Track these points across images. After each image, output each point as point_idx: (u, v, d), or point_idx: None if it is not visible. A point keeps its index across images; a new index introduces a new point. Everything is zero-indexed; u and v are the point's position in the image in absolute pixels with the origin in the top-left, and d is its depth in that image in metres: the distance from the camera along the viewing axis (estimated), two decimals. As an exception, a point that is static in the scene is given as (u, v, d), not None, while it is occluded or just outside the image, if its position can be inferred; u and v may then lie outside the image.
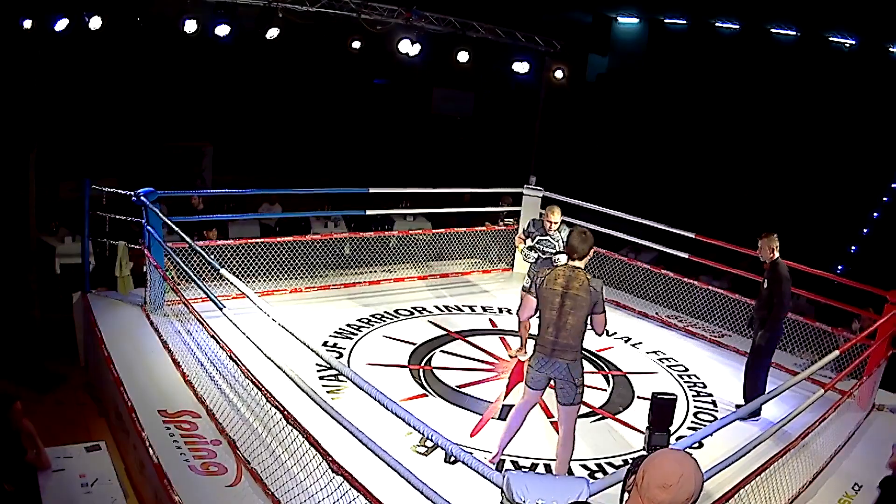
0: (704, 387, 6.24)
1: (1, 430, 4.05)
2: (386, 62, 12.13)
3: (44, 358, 6.61)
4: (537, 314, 4.25)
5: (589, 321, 4.14)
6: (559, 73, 10.16)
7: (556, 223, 5.83)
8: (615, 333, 7.29)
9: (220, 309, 4.50)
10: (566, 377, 4.12)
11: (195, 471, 4.10)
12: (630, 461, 3.76)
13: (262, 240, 7.26)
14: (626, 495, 1.87)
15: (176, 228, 5.44)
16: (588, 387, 5.95)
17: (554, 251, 5.84)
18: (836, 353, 4.53)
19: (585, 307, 4.05)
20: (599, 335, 4.33)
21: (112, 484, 4.24)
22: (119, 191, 6.36)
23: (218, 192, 9.71)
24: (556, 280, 4.11)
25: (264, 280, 7.06)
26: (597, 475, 4.64)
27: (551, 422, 5.29)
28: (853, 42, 10.92)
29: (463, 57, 9.45)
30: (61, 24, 6.98)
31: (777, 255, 5.48)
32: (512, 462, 4.71)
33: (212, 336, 4.72)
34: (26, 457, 4.12)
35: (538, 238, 5.93)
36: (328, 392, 5.27)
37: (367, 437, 3.13)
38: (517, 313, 4.74)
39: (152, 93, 11.84)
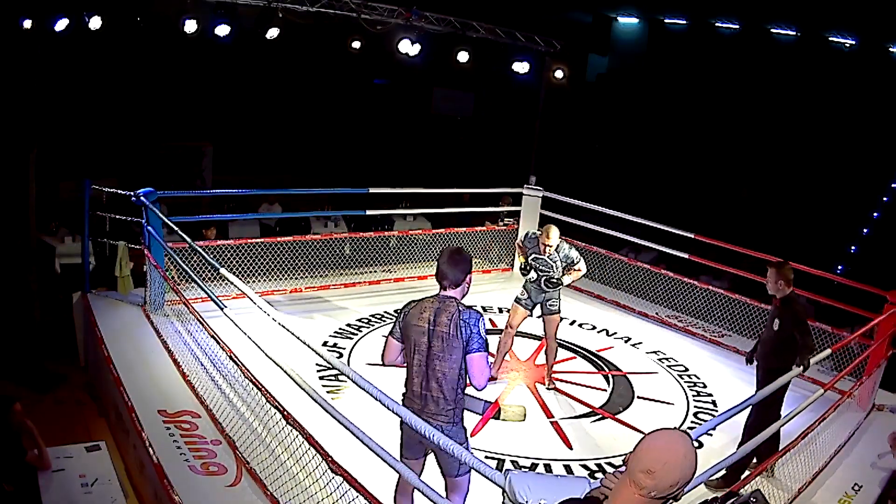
0: (704, 387, 6.24)
1: (1, 430, 4.05)
2: (386, 62, 12.11)
3: (44, 358, 6.61)
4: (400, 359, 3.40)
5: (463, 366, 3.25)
6: (559, 73, 10.15)
7: (552, 246, 5.42)
8: (615, 333, 7.29)
9: (221, 309, 4.50)
10: (442, 446, 2.75)
11: (195, 471, 4.09)
12: None
13: (262, 240, 7.25)
14: None
15: (176, 228, 5.44)
16: (588, 387, 5.99)
17: (551, 272, 5.49)
18: (829, 350, 4.54)
19: (458, 349, 3.18)
20: (479, 388, 3.31)
21: (112, 484, 4.24)
22: (119, 191, 6.35)
23: (218, 192, 9.71)
24: (419, 316, 3.24)
25: (264, 280, 7.06)
26: (597, 475, 4.63)
27: (551, 422, 5.30)
28: (853, 42, 10.92)
29: (463, 57, 9.44)
30: (61, 24, 6.96)
31: (792, 288, 4.56)
32: (512, 462, 4.71)
33: (212, 336, 4.72)
34: (26, 457, 4.12)
35: (534, 255, 5.56)
36: (328, 392, 5.28)
37: (367, 437, 3.13)
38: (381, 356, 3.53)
39: (152, 93, 11.84)
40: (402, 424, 3.27)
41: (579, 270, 5.58)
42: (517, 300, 5.77)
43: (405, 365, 3.35)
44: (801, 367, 4.16)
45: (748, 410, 4.34)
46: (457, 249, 3.39)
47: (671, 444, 1.75)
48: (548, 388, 5.80)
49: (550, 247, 5.44)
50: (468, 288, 3.39)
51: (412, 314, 3.29)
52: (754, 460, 4.35)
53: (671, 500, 1.77)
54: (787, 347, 4.46)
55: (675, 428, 2.05)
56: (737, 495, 1.89)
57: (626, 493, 1.74)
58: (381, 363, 3.49)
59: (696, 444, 3.60)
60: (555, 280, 5.52)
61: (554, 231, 5.45)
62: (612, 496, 1.80)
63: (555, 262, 5.49)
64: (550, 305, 5.65)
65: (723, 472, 3.38)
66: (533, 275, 5.63)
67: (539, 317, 5.78)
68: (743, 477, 3.98)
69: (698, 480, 2.73)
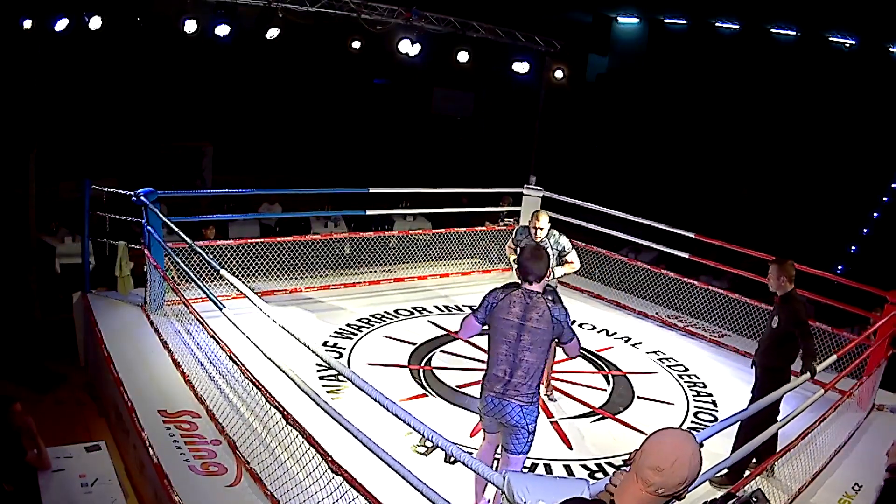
0: (704, 387, 6.24)
1: (1, 430, 4.06)
2: (386, 62, 12.13)
3: (44, 358, 6.61)
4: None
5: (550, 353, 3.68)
6: (559, 73, 10.15)
7: (542, 229, 5.23)
8: (615, 333, 7.29)
9: (220, 309, 4.50)
10: (514, 423, 3.50)
11: (195, 471, 4.10)
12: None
13: (262, 240, 7.25)
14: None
15: (176, 228, 5.44)
16: (588, 387, 5.99)
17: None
18: (834, 357, 4.53)
19: (547, 342, 3.50)
20: (573, 358, 3.84)
21: (112, 484, 4.24)
22: (119, 191, 6.35)
23: (218, 192, 9.72)
24: (510, 309, 3.51)
25: (264, 280, 7.06)
26: (597, 475, 4.64)
27: (551, 422, 5.29)
28: (853, 42, 10.92)
29: (463, 57, 9.45)
30: (61, 24, 6.97)
31: (793, 286, 4.52)
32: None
33: (212, 336, 4.72)
34: (26, 457, 4.12)
35: (525, 244, 5.29)
36: (328, 392, 5.28)
37: (367, 437, 3.13)
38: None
39: (152, 93, 11.85)
40: (479, 402, 3.65)
41: (571, 263, 5.36)
42: None
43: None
44: (808, 374, 4.13)
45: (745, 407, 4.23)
46: (537, 246, 3.73)
47: (680, 442, 1.76)
48: (547, 395, 5.62)
49: (541, 230, 5.24)
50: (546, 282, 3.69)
51: (500, 307, 3.51)
52: (754, 460, 4.34)
53: (675, 499, 1.77)
54: (785, 345, 4.43)
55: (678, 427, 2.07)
56: (736, 496, 1.89)
57: (633, 491, 1.74)
58: (456, 335, 3.97)
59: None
60: (567, 259, 5.31)
61: (544, 215, 5.29)
62: (617, 494, 1.80)
63: (546, 249, 5.35)
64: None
65: (725, 469, 3.39)
66: None
67: None
68: (745, 475, 3.99)
69: (703, 478, 2.79)
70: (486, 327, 3.67)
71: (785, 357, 4.44)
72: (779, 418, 4.18)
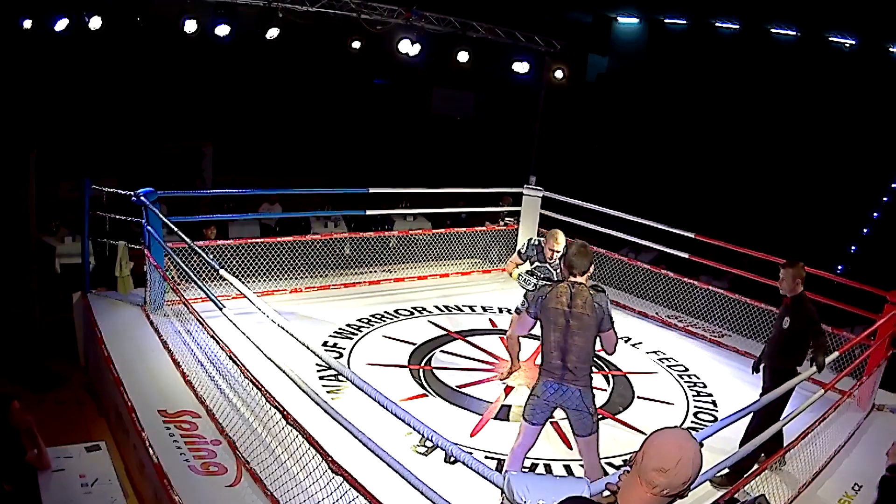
0: (704, 387, 6.24)
1: (0, 429, 4.05)
2: (386, 62, 12.13)
3: (44, 358, 6.61)
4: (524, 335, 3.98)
5: (598, 341, 3.84)
6: (559, 73, 10.15)
7: (558, 252, 5.17)
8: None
9: (220, 309, 4.50)
10: (579, 406, 3.80)
11: (195, 471, 4.10)
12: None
13: (262, 240, 7.25)
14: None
15: (175, 229, 5.44)
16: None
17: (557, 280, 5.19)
18: (836, 353, 4.54)
19: (593, 326, 3.76)
20: (610, 354, 4.00)
21: (112, 484, 4.24)
22: (119, 191, 6.35)
23: (218, 192, 9.72)
24: (558, 299, 3.79)
25: (264, 280, 7.06)
26: (597, 475, 4.63)
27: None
28: (853, 42, 10.92)
29: (463, 57, 9.44)
30: (61, 24, 6.96)
31: (803, 287, 4.61)
32: (512, 462, 4.71)
33: (212, 336, 4.72)
34: (26, 457, 4.12)
35: (537, 265, 5.34)
36: (328, 392, 5.27)
37: (367, 437, 3.13)
38: (509, 330, 4.21)
39: (152, 93, 11.84)
40: (535, 392, 3.88)
41: None
42: (517, 311, 5.59)
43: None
44: (817, 368, 4.19)
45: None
46: (583, 244, 3.96)
47: (682, 442, 1.76)
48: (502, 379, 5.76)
49: (558, 252, 5.18)
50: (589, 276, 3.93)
51: (549, 298, 3.79)
52: (762, 455, 4.35)
53: (678, 498, 1.77)
54: (795, 346, 4.49)
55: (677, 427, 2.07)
56: (737, 500, 1.91)
57: (638, 493, 1.74)
58: (513, 334, 4.27)
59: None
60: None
61: (561, 237, 5.25)
62: (621, 496, 1.79)
63: (555, 268, 5.27)
64: None
65: (726, 469, 3.40)
66: (532, 281, 5.30)
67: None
68: (752, 471, 3.99)
69: (704, 478, 2.87)
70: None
71: (795, 358, 4.47)
72: (781, 416, 4.20)
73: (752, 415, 4.30)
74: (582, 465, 4.72)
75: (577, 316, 3.74)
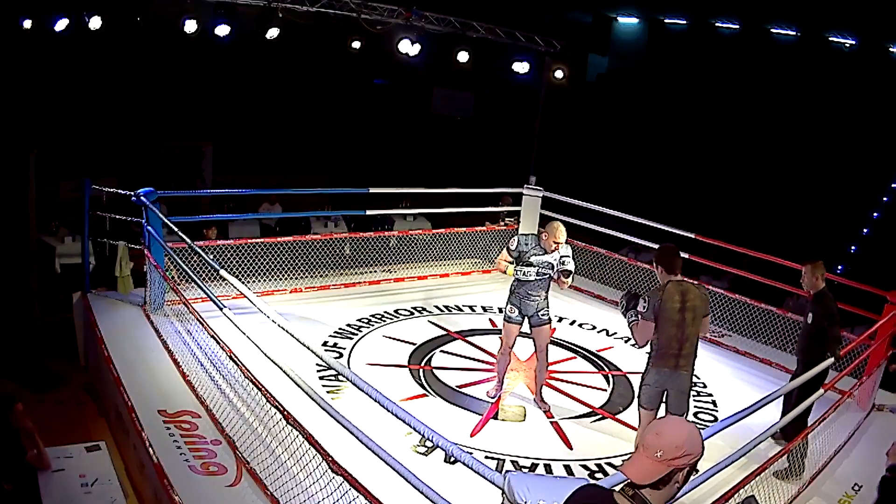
0: (704, 387, 6.24)
1: (1, 430, 4.05)
2: (386, 62, 12.12)
3: (44, 358, 6.61)
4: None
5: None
6: (559, 73, 10.14)
7: (562, 243, 5.15)
8: (615, 333, 7.29)
9: (220, 309, 4.50)
10: (684, 388, 4.32)
11: (195, 471, 4.10)
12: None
13: (262, 240, 7.25)
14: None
15: (175, 229, 5.44)
16: (588, 387, 5.99)
17: (561, 268, 5.18)
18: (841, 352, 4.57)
19: (701, 315, 4.27)
20: (706, 334, 4.52)
21: (112, 484, 4.24)
22: (119, 191, 6.35)
23: (218, 192, 9.71)
24: (673, 297, 4.23)
25: (264, 280, 7.06)
26: (597, 475, 4.64)
27: (551, 422, 5.30)
28: (853, 42, 10.92)
29: (463, 57, 9.44)
30: (61, 24, 6.96)
31: (824, 283, 4.93)
32: (512, 462, 4.71)
33: (212, 336, 4.72)
34: (26, 457, 4.12)
35: (533, 255, 5.23)
36: (328, 392, 5.27)
37: (367, 437, 3.13)
38: (634, 341, 4.36)
39: (152, 93, 11.83)
40: (647, 382, 4.38)
41: (571, 272, 5.24)
42: (507, 319, 5.39)
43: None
44: (833, 358, 4.42)
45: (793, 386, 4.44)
46: (673, 245, 4.48)
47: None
48: (539, 406, 5.48)
49: (561, 244, 5.15)
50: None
51: (665, 299, 4.21)
52: (783, 441, 4.51)
53: (679, 472, 1.84)
54: (818, 340, 4.75)
55: None
56: None
57: (639, 459, 1.85)
58: (636, 344, 4.40)
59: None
60: (569, 269, 5.19)
61: (563, 228, 5.19)
62: (626, 467, 1.89)
63: (556, 261, 5.21)
64: (542, 315, 5.32)
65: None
66: (532, 273, 5.24)
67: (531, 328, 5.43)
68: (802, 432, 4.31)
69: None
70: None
71: (819, 351, 4.67)
72: (779, 416, 4.26)
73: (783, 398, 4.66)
74: (582, 466, 4.74)
75: (691, 308, 4.22)
